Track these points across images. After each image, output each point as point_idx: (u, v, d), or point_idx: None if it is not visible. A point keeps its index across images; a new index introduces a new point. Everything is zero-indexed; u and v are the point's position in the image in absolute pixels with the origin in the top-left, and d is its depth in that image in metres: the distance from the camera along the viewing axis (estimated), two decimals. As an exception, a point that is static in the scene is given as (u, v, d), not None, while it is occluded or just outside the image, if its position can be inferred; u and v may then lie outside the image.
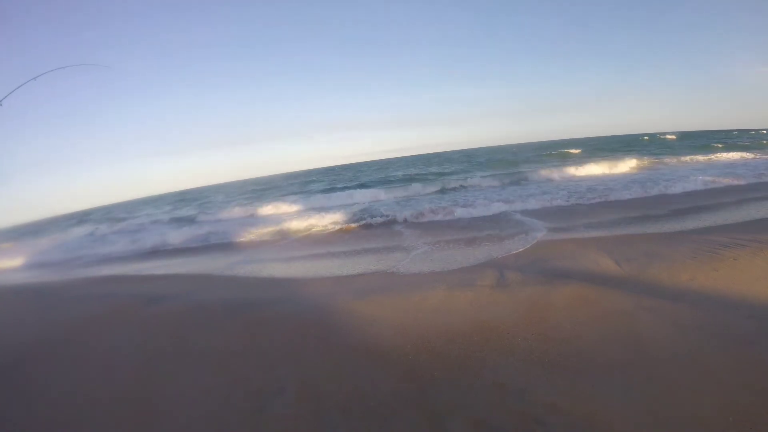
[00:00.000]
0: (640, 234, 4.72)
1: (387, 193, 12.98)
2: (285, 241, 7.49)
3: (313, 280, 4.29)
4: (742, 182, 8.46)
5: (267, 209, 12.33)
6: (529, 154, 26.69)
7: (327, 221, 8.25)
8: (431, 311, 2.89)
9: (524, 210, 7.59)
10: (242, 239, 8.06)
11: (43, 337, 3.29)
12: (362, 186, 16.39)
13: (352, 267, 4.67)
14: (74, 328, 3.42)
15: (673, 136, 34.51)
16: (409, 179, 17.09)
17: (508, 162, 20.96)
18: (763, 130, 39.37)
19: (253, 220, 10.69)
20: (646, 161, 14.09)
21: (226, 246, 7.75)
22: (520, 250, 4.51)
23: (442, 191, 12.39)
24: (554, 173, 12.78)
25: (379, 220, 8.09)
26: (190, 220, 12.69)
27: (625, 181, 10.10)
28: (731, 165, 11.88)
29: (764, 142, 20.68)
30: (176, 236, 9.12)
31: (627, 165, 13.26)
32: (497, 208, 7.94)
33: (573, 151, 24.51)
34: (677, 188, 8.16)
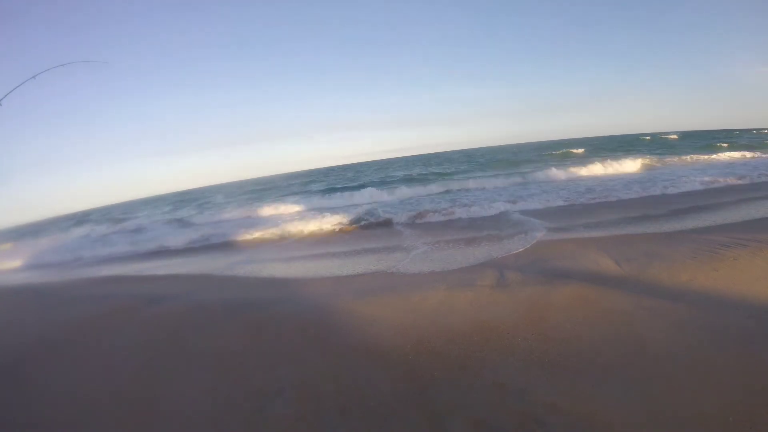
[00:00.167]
0: (640, 234, 4.72)
1: (387, 194, 12.97)
2: (285, 241, 7.49)
3: (313, 280, 4.29)
4: (742, 182, 8.46)
5: (267, 209, 12.33)
6: (529, 154, 26.67)
7: (327, 221, 8.24)
8: (431, 311, 2.89)
9: (524, 210, 7.58)
10: (242, 239, 8.06)
11: (44, 337, 3.30)
12: (362, 186, 16.38)
13: (352, 267, 4.67)
14: (74, 329, 3.42)
15: (675, 136, 34.51)
16: (409, 179, 17.11)
17: (509, 162, 20.96)
18: (765, 129, 39.34)
19: (253, 221, 10.69)
20: (648, 161, 14.07)
21: (226, 246, 7.75)
22: (520, 250, 4.51)
23: (442, 191, 12.39)
24: (555, 173, 12.76)
25: (379, 220, 8.08)
26: (190, 221, 12.69)
27: (627, 180, 10.10)
28: (733, 165, 11.85)
29: (767, 141, 20.66)
30: (176, 236, 9.13)
31: (629, 165, 13.23)
32: (497, 208, 7.93)
33: (576, 150, 24.51)
34: (678, 188, 8.16)
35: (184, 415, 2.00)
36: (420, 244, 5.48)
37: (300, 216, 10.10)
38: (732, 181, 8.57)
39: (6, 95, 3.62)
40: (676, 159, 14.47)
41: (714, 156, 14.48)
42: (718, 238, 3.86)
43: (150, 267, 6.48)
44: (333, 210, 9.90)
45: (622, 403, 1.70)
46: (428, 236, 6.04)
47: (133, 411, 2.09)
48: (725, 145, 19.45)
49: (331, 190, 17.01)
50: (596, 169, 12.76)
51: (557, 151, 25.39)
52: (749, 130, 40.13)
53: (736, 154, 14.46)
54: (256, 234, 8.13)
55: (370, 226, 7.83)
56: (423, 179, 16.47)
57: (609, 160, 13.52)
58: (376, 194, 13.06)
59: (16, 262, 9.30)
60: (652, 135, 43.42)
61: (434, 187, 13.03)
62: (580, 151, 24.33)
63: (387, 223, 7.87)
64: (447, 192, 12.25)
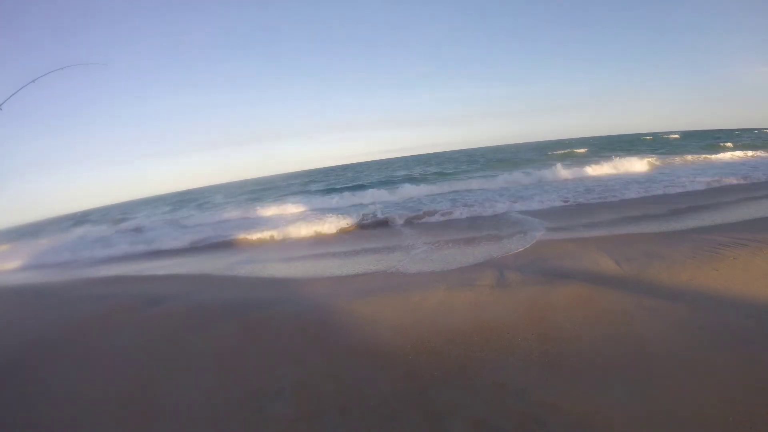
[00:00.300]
0: (640, 234, 4.71)
1: (387, 194, 12.96)
2: (285, 241, 7.50)
3: (313, 280, 4.29)
4: (744, 181, 8.45)
5: (267, 210, 12.33)
6: (530, 153, 26.67)
7: (327, 221, 8.24)
8: (431, 311, 2.89)
9: (524, 210, 7.58)
10: (242, 239, 8.06)
11: (43, 337, 3.29)
12: (362, 186, 16.38)
13: (352, 267, 4.67)
14: (74, 329, 3.42)
15: (677, 135, 34.52)
16: (409, 179, 17.09)
17: (509, 162, 20.96)
18: (766, 129, 39.31)
19: (253, 221, 10.70)
20: (650, 160, 14.04)
21: (226, 246, 7.76)
22: (520, 249, 4.51)
23: (442, 191, 12.38)
24: (555, 173, 12.74)
25: (378, 220, 8.09)
26: (189, 221, 12.68)
27: (627, 180, 10.09)
28: (734, 164, 11.85)
29: (768, 141, 20.64)
30: (176, 237, 9.13)
31: (630, 164, 13.20)
32: (497, 207, 7.94)
33: (578, 150, 24.50)
34: (678, 188, 8.15)
35: (184, 415, 2.00)
36: (420, 244, 5.48)
37: (300, 216, 10.11)
38: (733, 180, 8.56)
39: (6, 100, 3.62)
40: (677, 158, 14.45)
41: (715, 156, 14.47)
42: (718, 238, 3.86)
43: (150, 267, 6.48)
44: (333, 210, 9.91)
45: (622, 403, 1.70)
46: (428, 236, 6.04)
47: (133, 411, 2.09)
48: (728, 144, 19.42)
49: (331, 190, 17.02)
50: (597, 168, 12.73)
51: (558, 151, 25.37)
52: (750, 130, 40.13)
53: (737, 154, 14.45)
54: (256, 234, 8.13)
55: (370, 226, 7.83)
56: (423, 179, 16.49)
57: (610, 160, 13.49)
58: (376, 194, 13.03)
59: (16, 263, 9.30)
60: (654, 135, 43.44)
61: (434, 187, 13.00)
62: (582, 150, 24.32)
63: (387, 223, 7.87)
64: (447, 192, 12.23)
